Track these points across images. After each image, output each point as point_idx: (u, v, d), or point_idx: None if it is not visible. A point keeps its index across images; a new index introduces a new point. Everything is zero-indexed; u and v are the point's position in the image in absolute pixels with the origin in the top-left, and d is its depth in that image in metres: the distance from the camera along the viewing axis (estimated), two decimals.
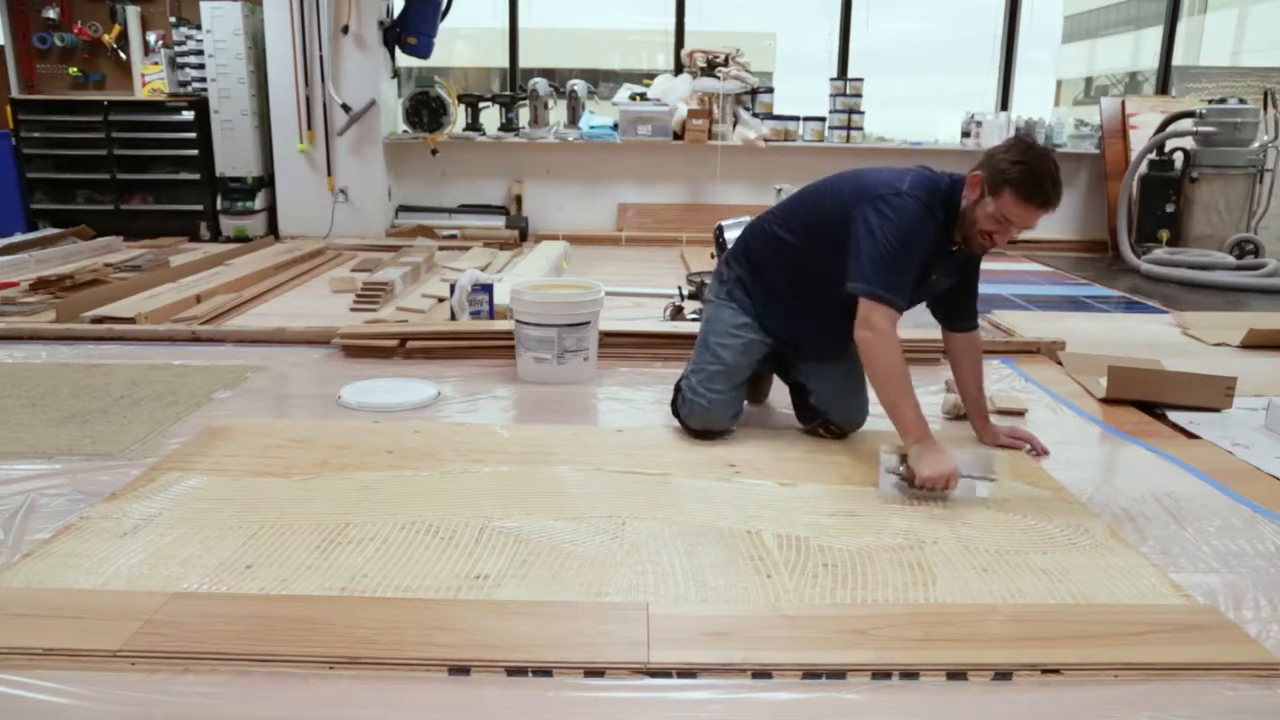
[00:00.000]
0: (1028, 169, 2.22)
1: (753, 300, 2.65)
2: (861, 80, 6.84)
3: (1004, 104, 7.22)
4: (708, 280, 3.89)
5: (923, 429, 2.28)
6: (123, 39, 6.66)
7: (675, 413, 2.73)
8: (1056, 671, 1.56)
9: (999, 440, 2.63)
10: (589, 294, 3.24)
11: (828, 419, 2.68)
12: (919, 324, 2.95)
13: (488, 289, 3.79)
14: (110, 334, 3.70)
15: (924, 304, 2.66)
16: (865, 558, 1.94)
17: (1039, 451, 2.60)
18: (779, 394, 2.92)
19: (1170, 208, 6.28)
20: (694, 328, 2.83)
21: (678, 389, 2.73)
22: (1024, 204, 2.24)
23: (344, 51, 6.30)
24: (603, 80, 7.68)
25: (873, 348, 2.32)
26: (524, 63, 7.23)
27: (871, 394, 2.53)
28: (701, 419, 2.64)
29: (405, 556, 1.91)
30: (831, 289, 2.42)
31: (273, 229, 6.62)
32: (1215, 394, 2.98)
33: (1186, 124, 6.10)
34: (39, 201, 6.48)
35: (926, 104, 7.84)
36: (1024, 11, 7.09)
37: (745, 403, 2.79)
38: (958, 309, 2.60)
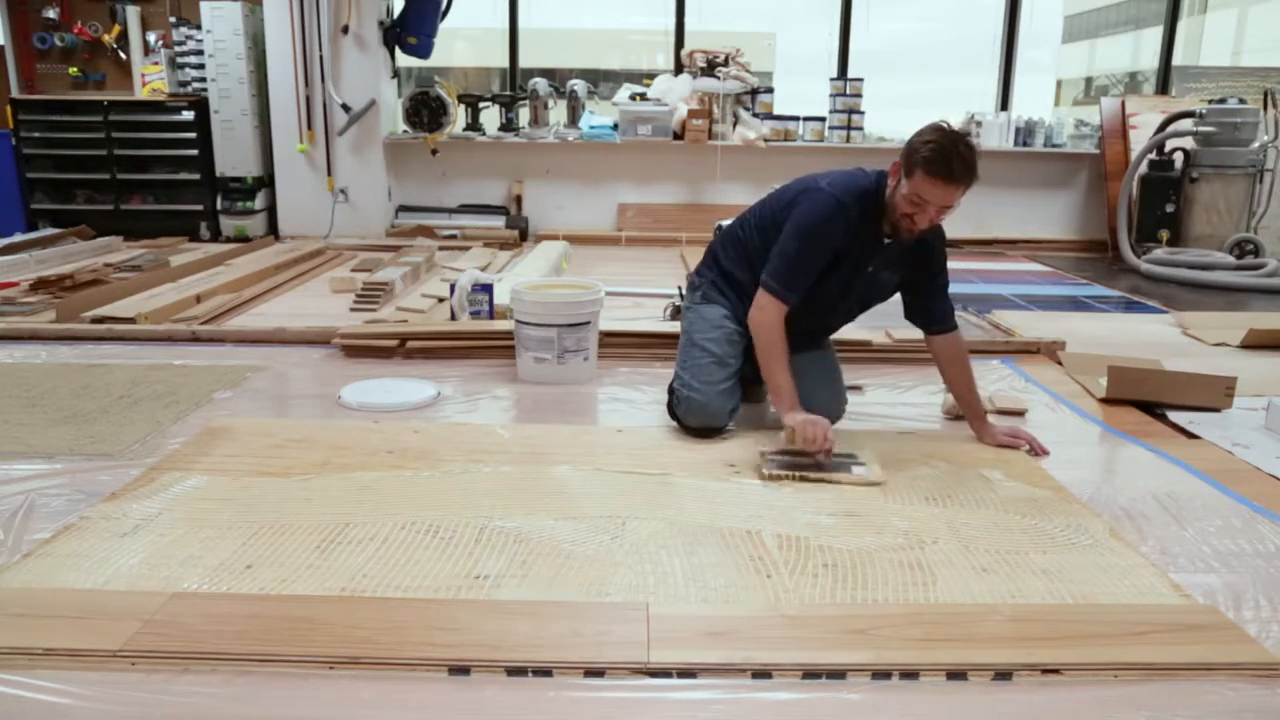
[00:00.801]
0: (936, 146, 2.29)
1: (727, 298, 2.73)
2: (861, 80, 6.83)
3: (1004, 104, 7.22)
4: None
5: (795, 400, 2.47)
6: (123, 39, 6.66)
7: (672, 415, 2.74)
8: (1056, 671, 1.56)
9: (998, 440, 2.63)
10: (589, 294, 3.24)
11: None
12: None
13: (488, 289, 3.79)
14: (110, 334, 3.71)
15: (902, 309, 2.69)
16: (865, 558, 1.95)
17: (1038, 452, 2.60)
18: None
19: (1170, 208, 6.28)
20: None
21: (671, 391, 2.73)
22: (933, 180, 2.30)
23: (344, 51, 6.30)
24: (603, 80, 7.68)
25: (757, 329, 2.54)
26: (524, 63, 7.23)
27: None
28: (699, 414, 2.64)
29: (405, 556, 1.91)
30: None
31: (273, 229, 6.62)
32: (1215, 394, 2.98)
33: (1186, 124, 6.10)
34: (39, 201, 6.48)
35: (926, 104, 7.83)
36: (1024, 11, 7.09)
37: (741, 403, 2.80)
38: (929, 311, 2.65)
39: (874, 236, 2.51)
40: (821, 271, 2.52)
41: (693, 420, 2.66)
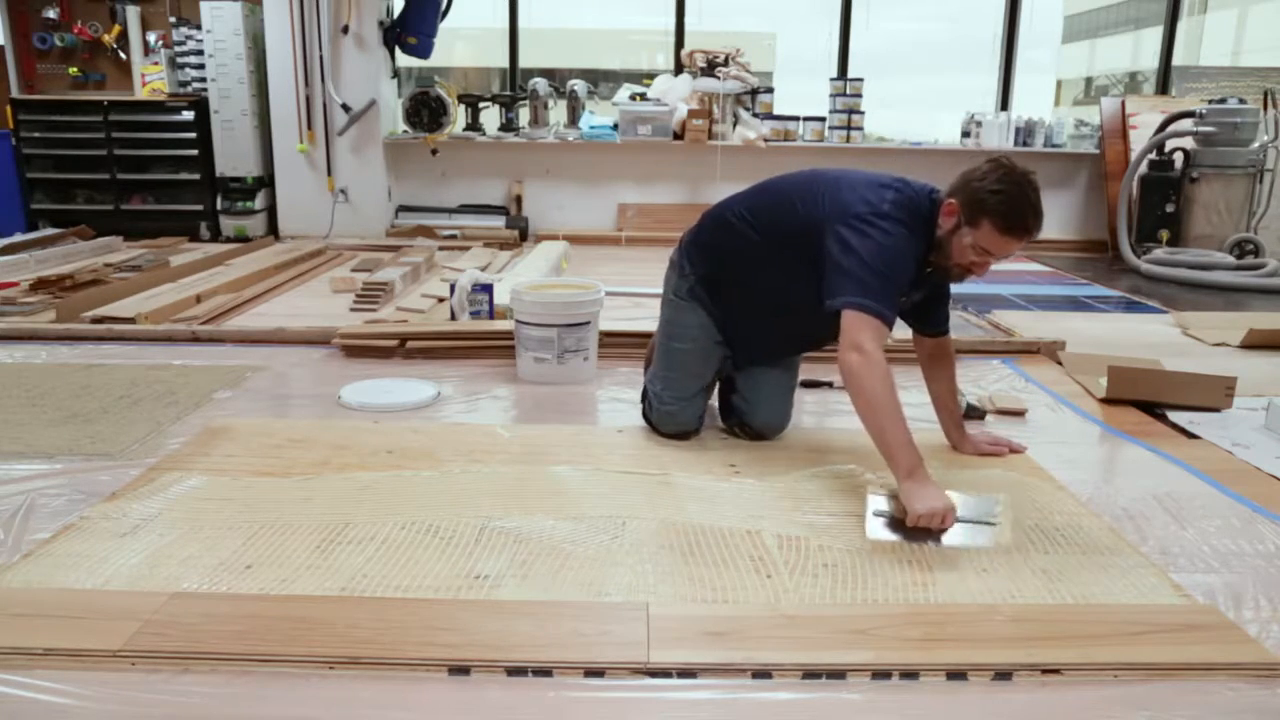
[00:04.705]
0: (1007, 198, 2.08)
1: (714, 301, 2.55)
2: (861, 80, 6.83)
3: (1004, 104, 7.22)
4: None
5: (914, 460, 2.05)
6: (123, 39, 6.66)
7: (645, 418, 2.73)
8: (1056, 671, 1.56)
9: (980, 450, 2.55)
10: (589, 294, 3.24)
11: (744, 421, 2.64)
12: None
13: (488, 289, 3.79)
14: (110, 334, 3.70)
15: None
16: (865, 558, 1.94)
17: (1016, 451, 2.57)
18: None
19: (1170, 208, 6.28)
20: None
21: (644, 396, 2.73)
22: (1004, 236, 2.11)
23: (344, 51, 6.30)
24: (603, 80, 7.69)
25: (860, 373, 2.07)
26: (524, 63, 7.23)
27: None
28: (673, 424, 2.64)
29: (405, 556, 1.91)
30: (791, 296, 2.38)
31: (273, 229, 6.62)
32: (1215, 394, 2.98)
33: (1186, 124, 6.10)
34: (39, 201, 6.48)
35: (926, 104, 7.83)
36: (1024, 11, 7.09)
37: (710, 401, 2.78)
38: (930, 315, 2.52)
39: (923, 267, 2.27)
40: None
41: (667, 428, 2.65)
